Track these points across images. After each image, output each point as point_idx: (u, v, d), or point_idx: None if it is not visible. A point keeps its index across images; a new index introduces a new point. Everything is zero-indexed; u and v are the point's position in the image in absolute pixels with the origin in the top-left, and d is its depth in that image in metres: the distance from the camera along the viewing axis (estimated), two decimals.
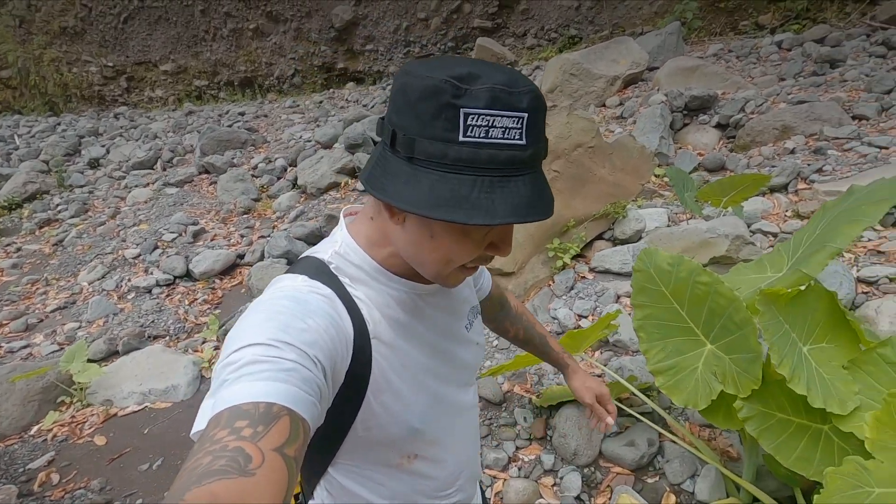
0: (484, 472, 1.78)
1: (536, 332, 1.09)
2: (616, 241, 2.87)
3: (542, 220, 0.52)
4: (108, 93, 11.22)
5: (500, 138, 0.49)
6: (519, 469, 1.78)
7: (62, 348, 3.12)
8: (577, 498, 1.64)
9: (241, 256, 3.98)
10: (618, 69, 5.51)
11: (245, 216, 4.70)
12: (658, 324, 1.51)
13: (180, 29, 10.55)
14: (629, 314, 2.33)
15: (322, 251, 0.65)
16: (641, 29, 8.13)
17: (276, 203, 4.77)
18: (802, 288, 1.24)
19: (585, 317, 2.43)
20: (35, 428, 2.46)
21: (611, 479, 1.67)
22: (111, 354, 3.00)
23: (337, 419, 0.60)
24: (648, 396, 1.84)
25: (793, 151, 3.81)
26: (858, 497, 0.98)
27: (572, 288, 2.62)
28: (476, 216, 0.49)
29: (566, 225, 2.76)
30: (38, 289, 4.03)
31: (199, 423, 0.44)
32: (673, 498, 1.59)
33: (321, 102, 8.41)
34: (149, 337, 3.17)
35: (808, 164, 3.53)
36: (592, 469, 1.71)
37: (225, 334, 3.01)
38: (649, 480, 1.65)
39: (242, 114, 8.12)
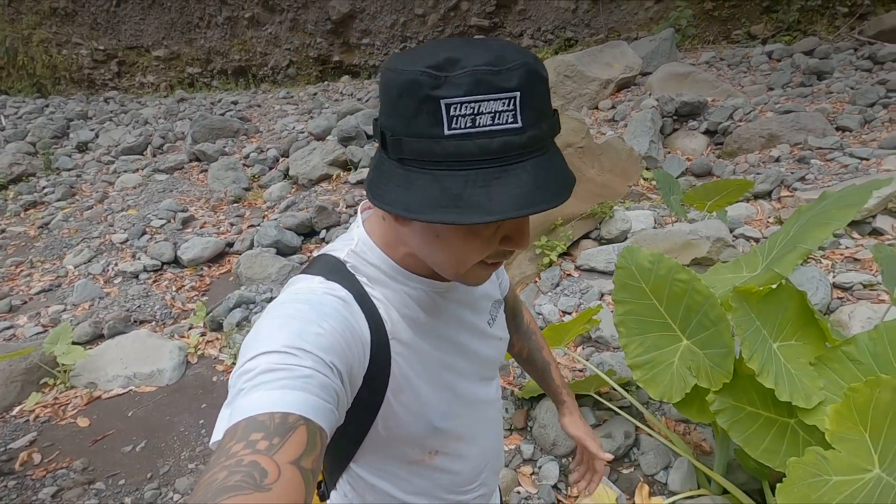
0: None
1: (541, 357, 1.03)
2: (602, 241, 2.93)
3: (552, 207, 0.46)
4: (98, 76, 11.06)
5: (489, 125, 0.45)
6: None
7: (46, 330, 3.10)
8: (555, 487, 1.69)
9: (231, 245, 3.97)
10: (611, 73, 5.57)
11: (235, 205, 4.69)
12: (637, 319, 1.56)
13: (174, 15, 10.42)
14: (612, 311, 2.38)
15: (339, 249, 0.63)
16: (636, 34, 8.22)
17: (267, 193, 4.77)
18: (774, 287, 1.29)
19: (570, 313, 2.48)
20: (17, 409, 2.45)
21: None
22: (96, 338, 2.99)
23: (357, 419, 0.59)
24: (627, 391, 1.90)
25: (778, 160, 3.90)
26: (818, 485, 1.03)
27: (558, 285, 2.66)
28: (470, 215, 0.45)
29: (554, 223, 2.80)
30: (22, 271, 3.99)
31: (217, 434, 0.44)
32: (646, 488, 1.64)
33: (315, 94, 8.38)
34: (135, 321, 3.16)
35: (792, 173, 3.62)
36: (570, 459, 1.76)
37: (212, 321, 3.01)
38: (624, 471, 1.71)
39: (235, 103, 8.07)
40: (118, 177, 5.56)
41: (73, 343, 2.73)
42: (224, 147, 5.85)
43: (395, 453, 0.66)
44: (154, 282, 3.62)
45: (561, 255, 2.86)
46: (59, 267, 3.94)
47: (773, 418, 1.31)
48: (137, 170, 5.72)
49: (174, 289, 3.52)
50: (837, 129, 4.09)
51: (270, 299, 3.16)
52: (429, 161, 0.46)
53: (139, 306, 3.30)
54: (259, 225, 4.12)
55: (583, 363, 2.08)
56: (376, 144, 0.53)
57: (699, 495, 1.59)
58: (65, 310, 3.35)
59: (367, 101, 7.38)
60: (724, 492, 1.60)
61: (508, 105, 0.45)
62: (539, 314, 2.50)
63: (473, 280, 0.58)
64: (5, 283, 3.83)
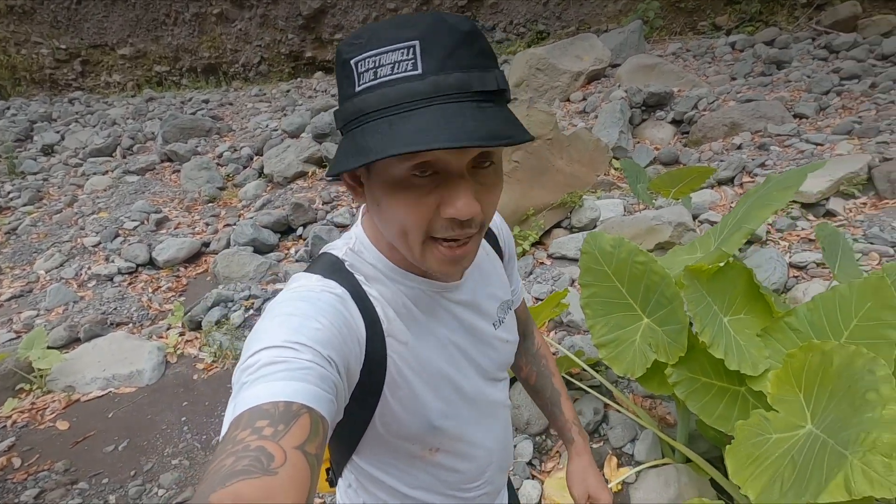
0: None
1: (551, 385, 0.94)
2: (573, 229, 3.03)
3: (449, 147, 0.43)
4: (61, 76, 10.72)
5: (388, 75, 0.46)
6: None
7: (19, 336, 3.05)
8: (529, 463, 1.77)
9: (207, 244, 3.95)
10: (582, 65, 5.68)
11: (210, 205, 4.65)
12: (602, 301, 1.64)
13: (139, 11, 10.16)
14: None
15: (338, 248, 0.64)
16: (606, 26, 8.36)
17: (242, 192, 4.74)
18: (722, 265, 1.39)
19: (542, 300, 2.57)
20: None
21: (560, 446, 1.81)
22: (72, 341, 2.96)
23: (355, 415, 0.60)
24: (597, 371, 1.99)
25: (740, 147, 4.05)
26: (760, 444, 1.12)
27: (531, 273, 2.75)
28: (364, 158, 0.46)
29: (526, 213, 2.89)
30: None
31: (223, 428, 0.44)
32: (614, 460, 1.74)
33: (288, 91, 8.30)
34: (111, 324, 3.14)
35: (753, 159, 3.78)
36: (543, 437, 1.85)
37: (191, 320, 3.02)
38: (594, 445, 1.80)
39: (206, 101, 7.94)
40: (87, 179, 5.44)
41: (49, 347, 2.71)
42: (196, 147, 5.78)
43: (395, 449, 0.66)
44: (129, 284, 3.59)
45: (534, 245, 2.95)
46: (29, 272, 3.86)
47: (725, 387, 1.42)
48: (107, 172, 5.61)
49: (150, 290, 3.49)
50: (795, 116, 4.27)
51: (249, 297, 3.18)
52: (350, 121, 0.49)
53: (115, 309, 3.27)
54: (235, 224, 4.10)
55: (555, 346, 2.17)
56: None
57: (663, 464, 1.69)
58: (38, 315, 3.30)
59: None
60: (687, 460, 1.70)
61: (407, 54, 0.45)
62: None
63: (434, 265, 0.56)
64: None
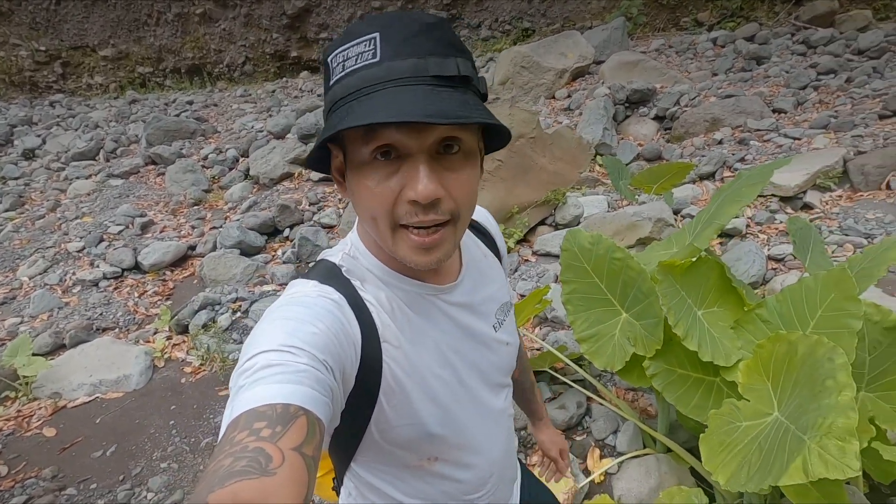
0: None
1: (529, 378, 1.05)
2: (557, 226, 3.07)
3: (398, 120, 0.45)
4: (41, 79, 10.55)
5: (353, 66, 0.50)
6: None
7: (3, 343, 3.02)
8: None
9: (193, 248, 3.94)
10: (566, 62, 5.72)
11: (196, 207, 4.63)
12: (582, 297, 1.68)
13: (120, 12, 10.03)
14: None
15: (335, 254, 0.65)
16: (590, 23, 8.42)
17: (228, 194, 4.72)
18: (694, 259, 1.43)
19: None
20: None
21: None
22: (58, 348, 2.94)
23: (352, 421, 0.60)
24: (580, 365, 2.03)
25: (721, 142, 4.12)
26: (731, 431, 1.17)
27: (516, 270, 2.79)
28: (324, 133, 0.50)
29: (510, 211, 2.92)
30: None
31: (222, 430, 0.45)
32: (597, 452, 1.78)
33: (274, 91, 8.26)
34: (97, 329, 3.12)
35: (733, 154, 3.85)
36: (528, 431, 1.88)
37: (178, 324, 3.01)
38: (578, 438, 1.84)
39: (191, 103, 7.87)
40: (70, 184, 5.38)
41: (34, 354, 2.69)
42: (181, 149, 5.73)
43: (393, 457, 0.65)
44: (115, 289, 3.56)
45: (519, 242, 2.99)
46: (12, 279, 3.82)
47: (700, 378, 1.46)
48: (90, 176, 5.54)
49: (136, 294, 3.48)
50: (774, 111, 4.35)
51: (236, 300, 3.18)
52: (326, 113, 0.53)
53: (101, 314, 3.26)
54: (221, 226, 4.09)
55: (539, 343, 2.21)
56: None
57: (644, 454, 1.74)
58: (22, 322, 3.27)
59: None
60: (668, 450, 1.75)
61: (368, 45, 0.49)
62: None
63: (405, 253, 0.55)
64: None
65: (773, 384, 1.13)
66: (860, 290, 1.19)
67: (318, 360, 0.48)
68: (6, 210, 5.02)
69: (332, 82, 0.52)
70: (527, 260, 2.89)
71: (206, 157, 5.48)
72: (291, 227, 4.00)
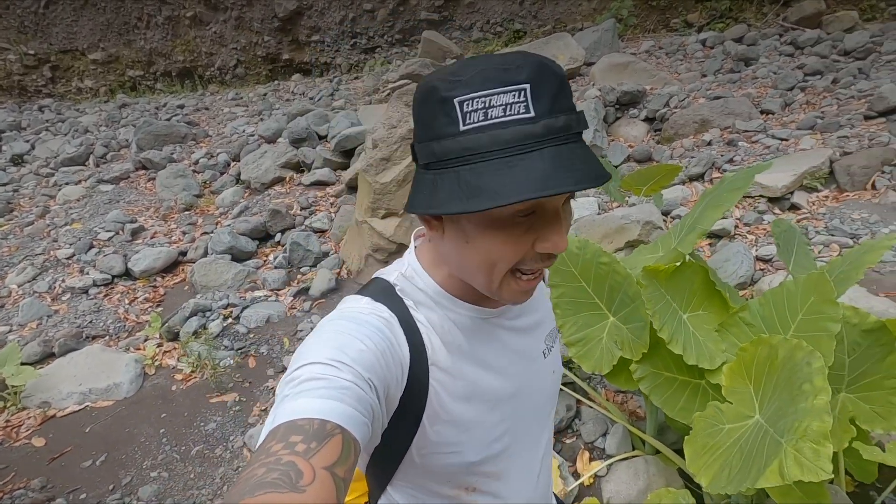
0: None
1: None
2: None
3: (568, 191, 0.45)
4: (29, 83, 10.47)
5: (501, 116, 0.46)
6: None
7: None
8: None
9: (184, 253, 3.92)
10: None
11: (187, 213, 4.61)
12: (570, 301, 1.69)
13: (110, 15, 9.97)
14: None
15: (390, 273, 0.64)
16: (581, 25, 8.46)
17: (220, 199, 4.71)
18: (679, 264, 1.45)
19: None
20: None
21: None
22: (47, 356, 2.93)
23: (393, 442, 0.59)
24: (570, 369, 2.04)
25: (709, 143, 4.16)
26: (714, 433, 1.18)
27: None
28: (483, 201, 0.46)
29: None
30: None
31: (261, 436, 0.46)
32: (586, 454, 1.79)
33: (265, 95, 8.24)
34: (87, 337, 3.10)
35: (722, 155, 3.88)
36: None
37: (168, 331, 3.00)
38: (567, 441, 1.85)
39: (182, 107, 7.84)
40: (59, 189, 5.34)
41: (23, 363, 2.67)
42: (172, 154, 5.71)
43: (429, 486, 0.64)
44: (105, 296, 3.54)
45: None
46: (0, 287, 3.79)
47: (686, 381, 1.48)
48: (80, 181, 5.51)
49: (127, 301, 3.46)
50: (762, 112, 4.39)
51: (227, 306, 3.17)
52: (450, 160, 0.48)
53: (91, 321, 3.24)
54: (212, 232, 4.07)
55: None
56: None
57: (633, 456, 1.75)
58: (10, 330, 3.24)
59: (318, 100, 7.33)
60: (656, 452, 1.76)
61: (519, 97, 0.46)
62: None
63: (509, 295, 0.57)
64: None
65: (754, 387, 1.15)
66: (839, 294, 1.21)
67: (363, 377, 0.49)
68: None
69: (465, 127, 0.47)
70: None
71: (197, 162, 5.46)
72: (283, 231, 3.99)
